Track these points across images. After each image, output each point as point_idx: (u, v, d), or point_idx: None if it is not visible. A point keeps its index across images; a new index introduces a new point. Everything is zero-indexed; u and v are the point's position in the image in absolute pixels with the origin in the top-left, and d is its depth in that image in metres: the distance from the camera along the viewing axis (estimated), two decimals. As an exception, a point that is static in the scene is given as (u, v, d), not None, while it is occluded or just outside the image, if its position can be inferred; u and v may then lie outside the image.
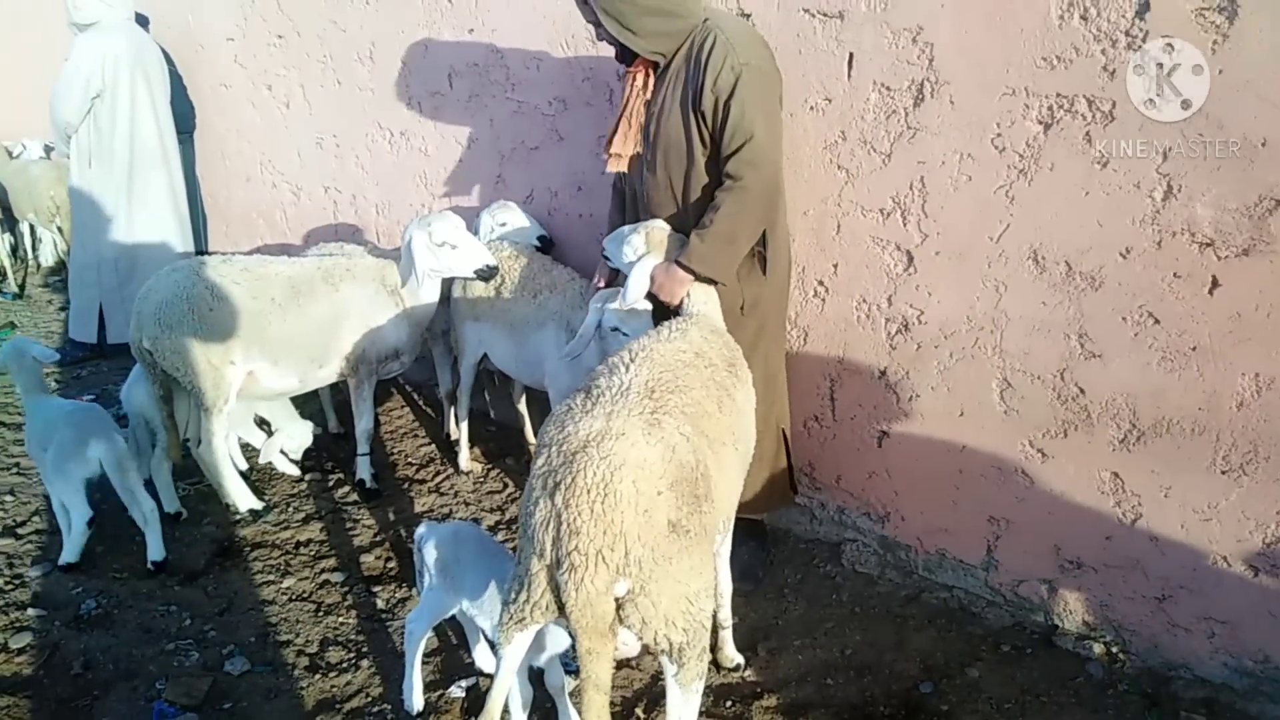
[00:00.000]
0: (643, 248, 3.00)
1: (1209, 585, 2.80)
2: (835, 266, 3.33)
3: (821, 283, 3.39)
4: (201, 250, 6.15)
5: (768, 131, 2.86)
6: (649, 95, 3.06)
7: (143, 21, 5.67)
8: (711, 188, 2.97)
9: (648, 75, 3.06)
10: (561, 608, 2.08)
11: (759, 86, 2.84)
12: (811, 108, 3.23)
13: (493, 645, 2.92)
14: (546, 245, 4.17)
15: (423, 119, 4.68)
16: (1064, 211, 2.78)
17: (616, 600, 2.05)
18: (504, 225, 4.14)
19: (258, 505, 3.97)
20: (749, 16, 3.29)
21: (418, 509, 4.12)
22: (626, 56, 3.05)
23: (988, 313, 3.01)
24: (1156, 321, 2.70)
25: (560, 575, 2.01)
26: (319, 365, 3.98)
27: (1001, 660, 3.08)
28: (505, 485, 4.28)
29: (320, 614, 3.39)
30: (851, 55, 3.09)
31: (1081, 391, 2.89)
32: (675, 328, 2.62)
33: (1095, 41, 2.60)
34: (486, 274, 3.82)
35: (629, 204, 3.33)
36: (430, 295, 4.01)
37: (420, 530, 2.86)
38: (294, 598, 3.47)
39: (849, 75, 3.11)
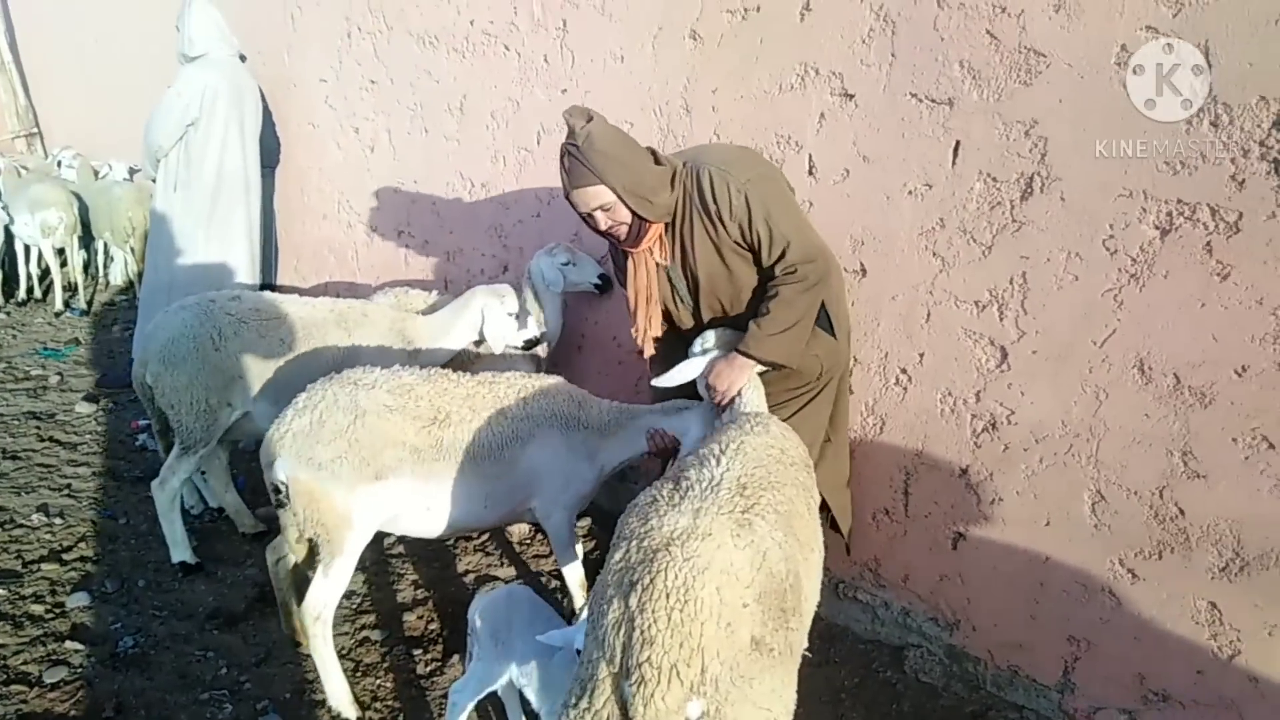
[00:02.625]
0: (712, 342, 3.00)
1: (1316, 737, 2.58)
2: (921, 356, 3.22)
3: (904, 371, 3.27)
4: (270, 282, 6.20)
5: (797, 227, 2.88)
6: (669, 262, 3.03)
7: (241, 59, 5.81)
8: (755, 300, 3.00)
9: (661, 242, 3.00)
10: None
11: (767, 195, 2.86)
12: (910, 192, 3.15)
13: (533, 721, 2.78)
14: (605, 284, 4.11)
15: (505, 173, 4.69)
16: (1176, 321, 2.65)
17: None
18: (568, 265, 4.09)
19: (190, 559, 3.82)
20: (852, 97, 3.25)
21: (461, 568, 4.01)
22: (631, 238, 2.95)
23: (1085, 419, 2.87)
24: (1271, 446, 2.54)
25: (628, 686, 1.84)
26: None
27: (1075, 794, 2.86)
28: (551, 551, 4.15)
29: (358, 674, 3.27)
30: (958, 143, 3.01)
31: (1181, 512, 2.72)
32: (757, 421, 2.49)
33: (1224, 150, 2.50)
34: (535, 342, 3.99)
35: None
36: (446, 350, 4.02)
37: (472, 606, 2.76)
38: (332, 651, 3.35)
39: (953, 163, 3.04)
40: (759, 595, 1.94)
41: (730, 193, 2.82)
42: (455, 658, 3.35)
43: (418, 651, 3.41)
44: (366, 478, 2.85)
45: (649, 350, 3.12)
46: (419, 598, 3.76)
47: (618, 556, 2.02)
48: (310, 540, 2.99)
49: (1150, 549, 2.80)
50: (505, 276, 4.80)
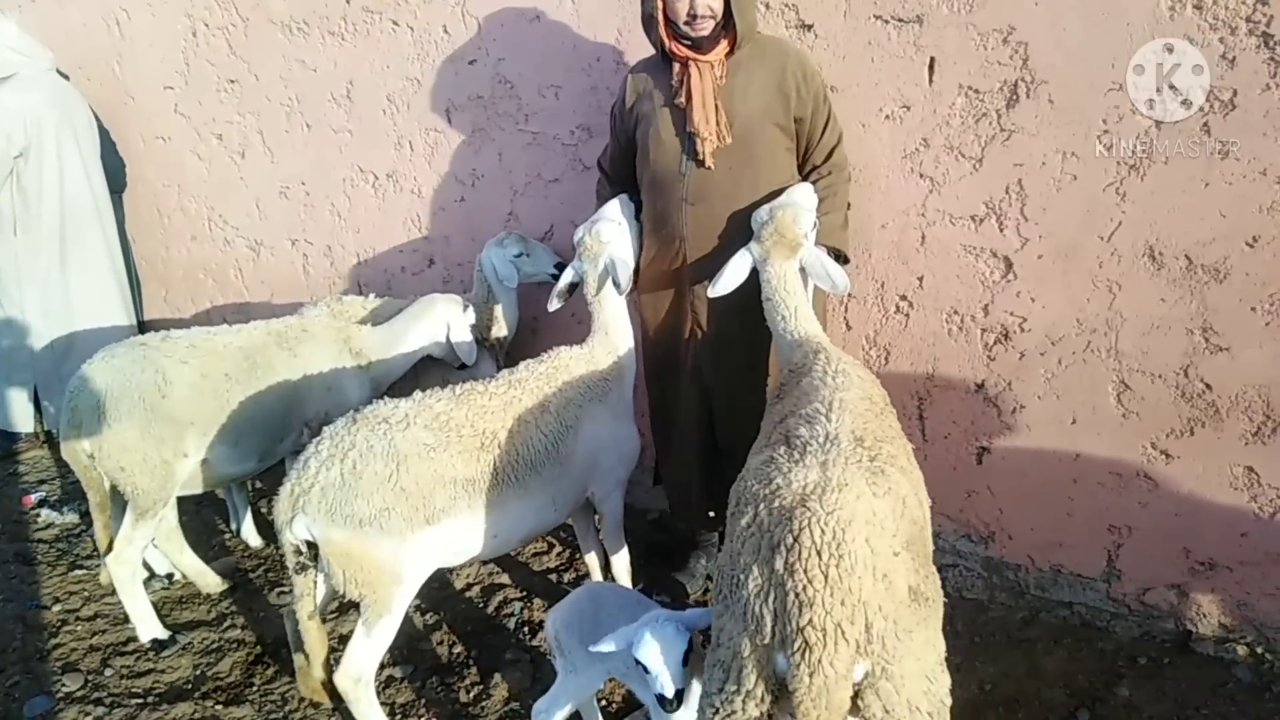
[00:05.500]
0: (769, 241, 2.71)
1: (1360, 573, 2.75)
2: (920, 279, 3.19)
3: (904, 297, 3.24)
4: (139, 319, 5.58)
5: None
6: (724, 82, 2.91)
7: (62, 75, 5.13)
8: (779, 179, 2.96)
9: (722, 63, 2.91)
10: (776, 698, 1.79)
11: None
12: (887, 116, 3.09)
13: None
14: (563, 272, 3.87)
15: (414, 159, 4.34)
16: (1182, 205, 2.72)
17: (854, 686, 1.76)
18: (521, 256, 3.81)
19: (162, 635, 3.39)
20: (810, 27, 3.15)
21: (461, 584, 3.74)
22: (708, 41, 2.86)
23: (1100, 314, 2.92)
24: (1291, 309, 2.65)
25: (790, 657, 1.71)
26: (279, 439, 3.52)
27: (1143, 675, 2.96)
28: (550, 545, 3.94)
29: (396, 718, 2.98)
30: (933, 60, 2.97)
31: (1208, 387, 2.82)
32: (838, 370, 2.35)
33: (1213, 30, 2.55)
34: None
35: (649, 195, 3.12)
36: (402, 360, 3.72)
37: (548, 621, 2.54)
38: (362, 700, 3.05)
39: (930, 80, 2.99)
40: (907, 543, 1.85)
41: (814, 74, 2.95)
42: (497, 677, 3.12)
43: (452, 679, 3.15)
44: (418, 525, 2.55)
45: (710, 161, 2.90)
46: (430, 623, 3.48)
47: (745, 522, 1.88)
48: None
49: (1181, 427, 2.89)
50: (432, 270, 4.48)
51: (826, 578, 1.70)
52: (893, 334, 3.30)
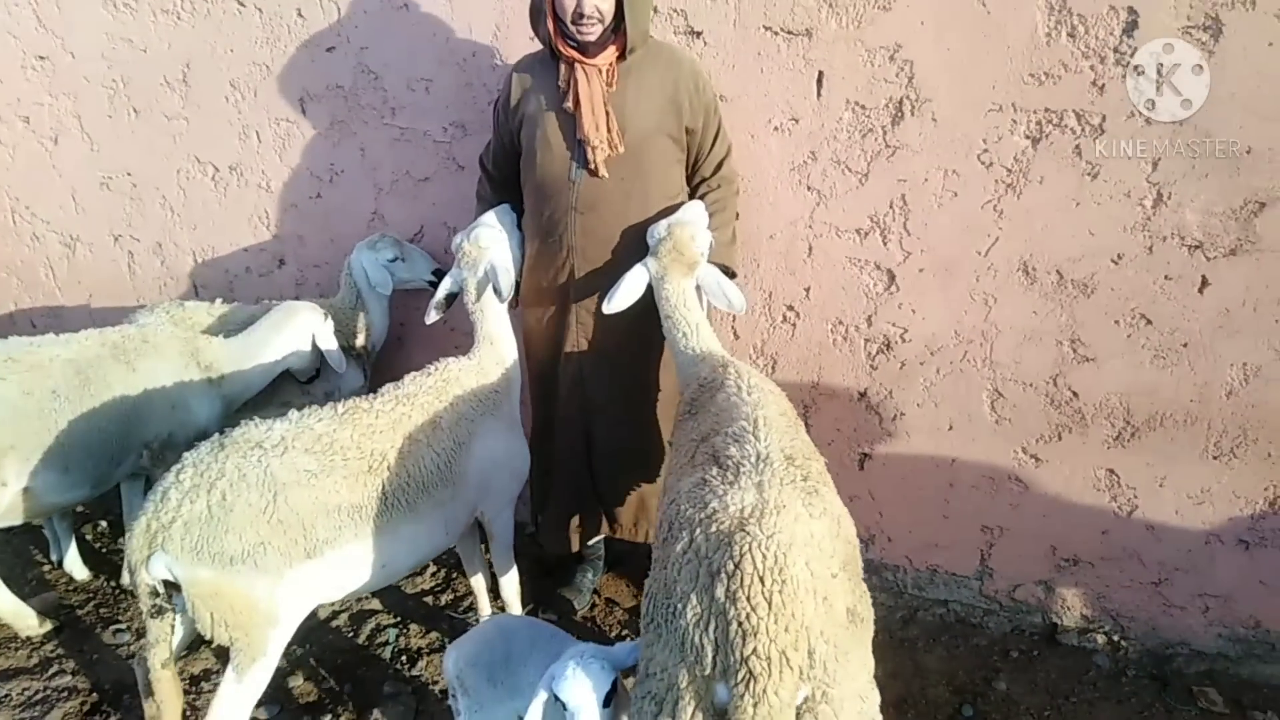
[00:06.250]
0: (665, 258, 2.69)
1: (1203, 564, 2.99)
2: (807, 290, 3.22)
3: (791, 307, 3.26)
4: (-73, 324, 4.91)
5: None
6: (612, 89, 2.81)
7: None
8: (670, 192, 2.92)
9: (612, 68, 2.81)
10: None
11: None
12: (776, 128, 3.09)
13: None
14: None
15: (262, 150, 3.99)
16: (1054, 222, 2.86)
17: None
18: (396, 261, 3.58)
19: None
20: (699, 34, 3.10)
21: (327, 612, 3.48)
22: (596, 45, 2.76)
23: (977, 326, 3.04)
24: (1149, 322, 2.84)
25: (733, 688, 1.67)
26: (116, 463, 3.15)
27: (1017, 667, 3.11)
28: (425, 564, 3.74)
29: (270, 765, 2.74)
30: (821, 74, 2.99)
31: (1075, 395, 2.99)
32: (751, 385, 2.31)
33: (1084, 58, 2.69)
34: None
35: (535, 201, 2.99)
36: (260, 374, 3.41)
37: (447, 657, 2.38)
38: (229, 751, 2.77)
39: (819, 94, 3.01)
40: (843, 564, 1.86)
41: (706, 83, 2.91)
42: (375, 713, 2.92)
43: (325, 719, 2.93)
44: (297, 559, 2.32)
45: (603, 170, 2.80)
46: (296, 657, 3.22)
47: (680, 548, 1.83)
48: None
49: (1050, 433, 3.05)
50: (283, 271, 4.16)
51: (770, 604, 1.66)
52: (780, 343, 3.32)
